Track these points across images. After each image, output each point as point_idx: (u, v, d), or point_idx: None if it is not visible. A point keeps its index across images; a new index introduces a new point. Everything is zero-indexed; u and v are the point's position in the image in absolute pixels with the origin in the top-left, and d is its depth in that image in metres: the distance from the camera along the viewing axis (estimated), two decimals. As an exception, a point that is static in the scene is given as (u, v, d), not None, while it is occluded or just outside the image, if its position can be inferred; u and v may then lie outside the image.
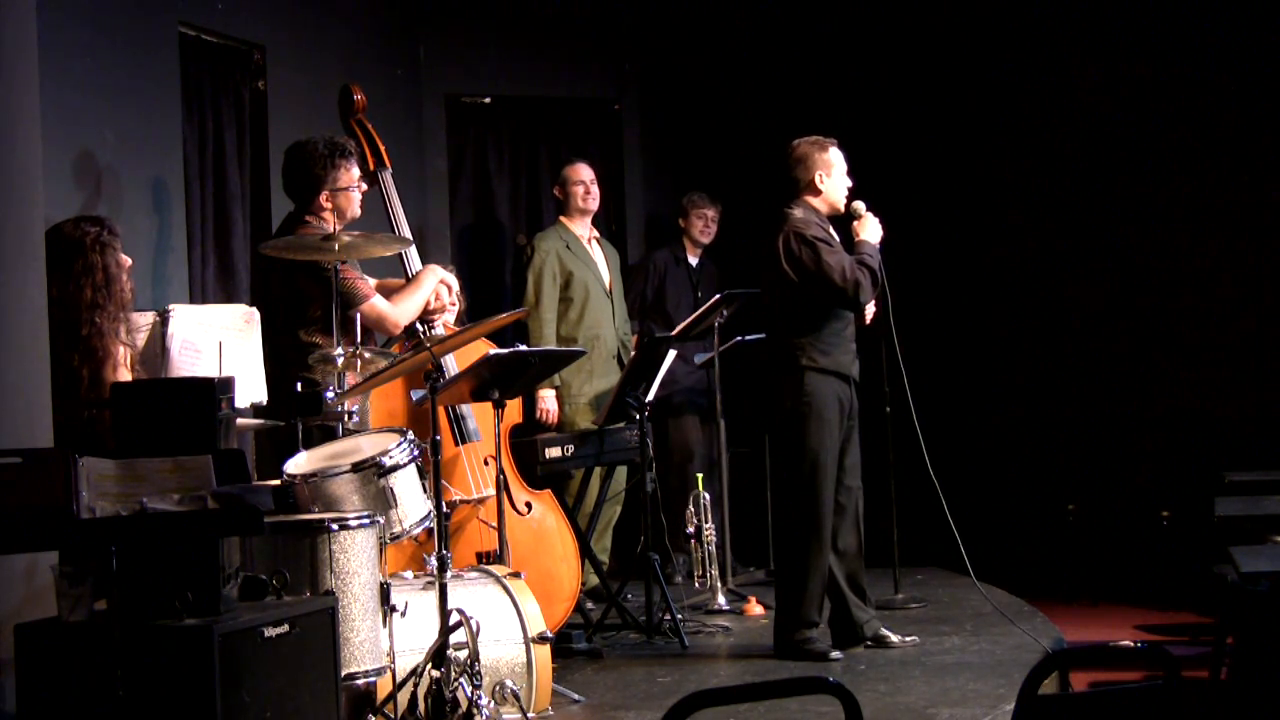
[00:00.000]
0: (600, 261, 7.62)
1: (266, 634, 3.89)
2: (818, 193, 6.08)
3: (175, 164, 6.19)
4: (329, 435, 5.21)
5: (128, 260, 5.02)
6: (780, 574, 6.12)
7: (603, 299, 7.54)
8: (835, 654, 5.89)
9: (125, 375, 4.87)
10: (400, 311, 5.81)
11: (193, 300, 6.09)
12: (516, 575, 5.24)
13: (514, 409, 6.08)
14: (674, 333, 7.18)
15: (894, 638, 6.05)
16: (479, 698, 4.64)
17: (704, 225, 8.13)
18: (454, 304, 6.26)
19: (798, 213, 6.03)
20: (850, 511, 6.03)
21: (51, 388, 4.52)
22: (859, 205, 6.13)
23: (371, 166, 6.14)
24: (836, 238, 6.08)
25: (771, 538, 6.70)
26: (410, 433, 4.99)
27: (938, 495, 6.01)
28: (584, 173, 7.62)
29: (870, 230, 6.09)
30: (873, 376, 6.36)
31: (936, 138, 8.94)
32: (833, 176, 6.10)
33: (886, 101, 8.99)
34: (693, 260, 8.16)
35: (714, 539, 7.06)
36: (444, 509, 4.92)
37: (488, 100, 8.60)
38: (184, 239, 6.22)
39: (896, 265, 6.23)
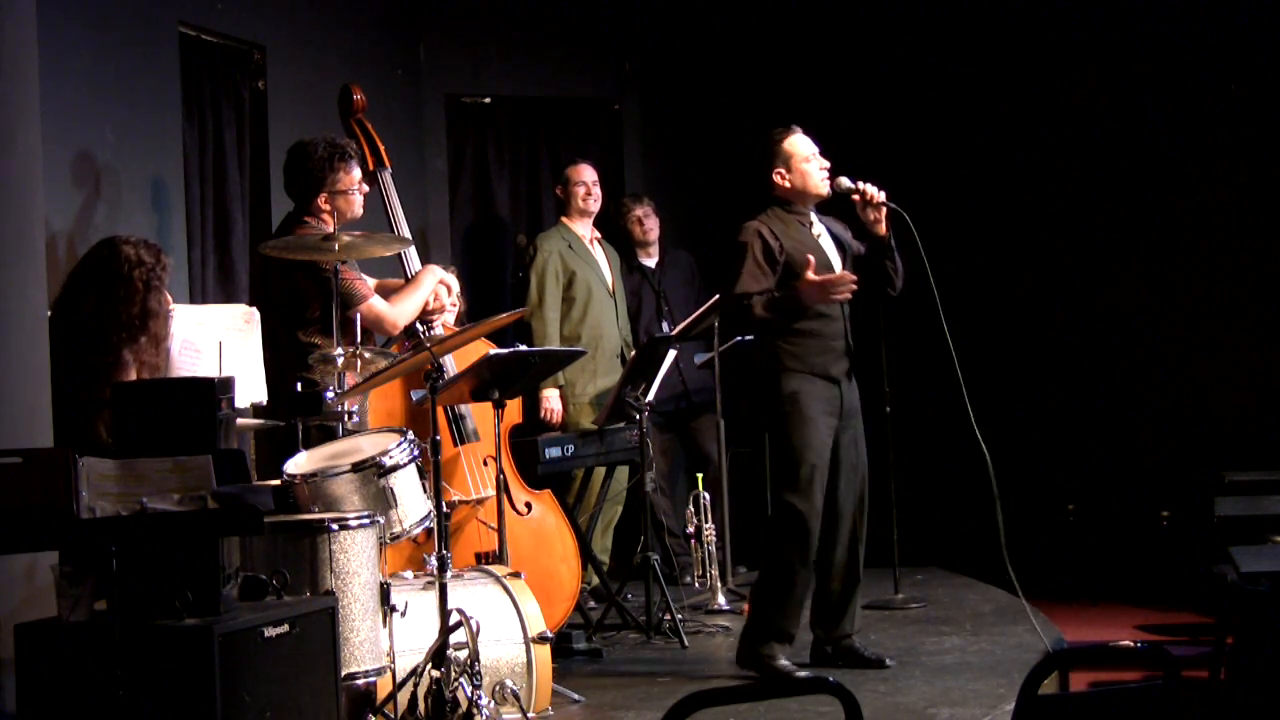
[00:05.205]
0: (602, 261, 7.62)
1: (266, 634, 3.89)
2: (781, 188, 5.78)
3: (175, 164, 6.19)
4: (328, 435, 5.21)
5: (170, 300, 4.99)
6: (762, 579, 5.72)
7: (605, 298, 7.54)
8: (801, 674, 5.58)
9: None
10: (399, 312, 5.81)
11: (193, 300, 6.08)
12: (516, 575, 5.23)
13: (514, 409, 6.08)
14: (674, 332, 7.18)
15: (864, 653, 5.75)
16: (479, 698, 4.64)
17: (639, 226, 7.93)
18: (455, 305, 6.26)
19: (758, 218, 5.76)
20: (846, 520, 5.71)
21: (62, 390, 4.53)
22: (843, 181, 5.78)
23: (371, 166, 6.15)
24: (816, 231, 5.80)
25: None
26: (410, 433, 4.99)
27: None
28: (586, 174, 7.60)
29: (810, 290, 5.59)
30: (873, 377, 6.35)
31: (938, 136, 8.93)
32: (793, 168, 5.77)
33: (887, 101, 8.98)
34: (648, 262, 7.96)
35: (714, 539, 7.07)
36: (444, 509, 4.92)
37: (488, 100, 8.59)
38: (184, 239, 6.22)
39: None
